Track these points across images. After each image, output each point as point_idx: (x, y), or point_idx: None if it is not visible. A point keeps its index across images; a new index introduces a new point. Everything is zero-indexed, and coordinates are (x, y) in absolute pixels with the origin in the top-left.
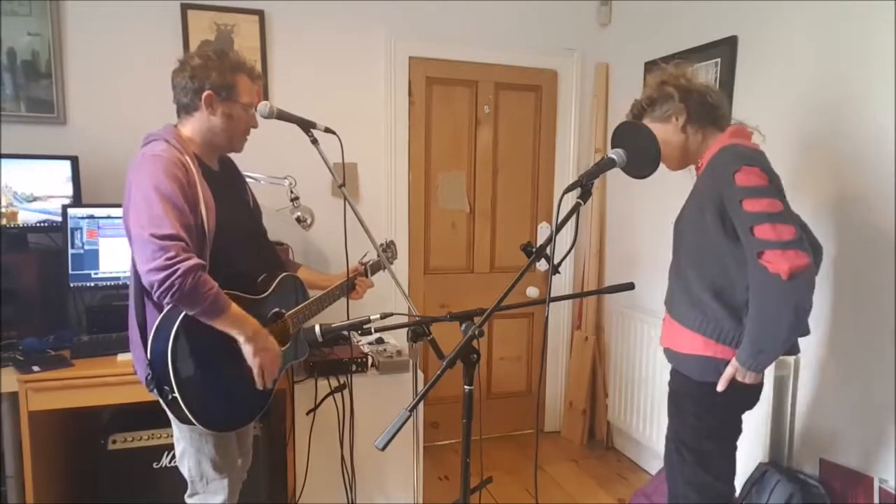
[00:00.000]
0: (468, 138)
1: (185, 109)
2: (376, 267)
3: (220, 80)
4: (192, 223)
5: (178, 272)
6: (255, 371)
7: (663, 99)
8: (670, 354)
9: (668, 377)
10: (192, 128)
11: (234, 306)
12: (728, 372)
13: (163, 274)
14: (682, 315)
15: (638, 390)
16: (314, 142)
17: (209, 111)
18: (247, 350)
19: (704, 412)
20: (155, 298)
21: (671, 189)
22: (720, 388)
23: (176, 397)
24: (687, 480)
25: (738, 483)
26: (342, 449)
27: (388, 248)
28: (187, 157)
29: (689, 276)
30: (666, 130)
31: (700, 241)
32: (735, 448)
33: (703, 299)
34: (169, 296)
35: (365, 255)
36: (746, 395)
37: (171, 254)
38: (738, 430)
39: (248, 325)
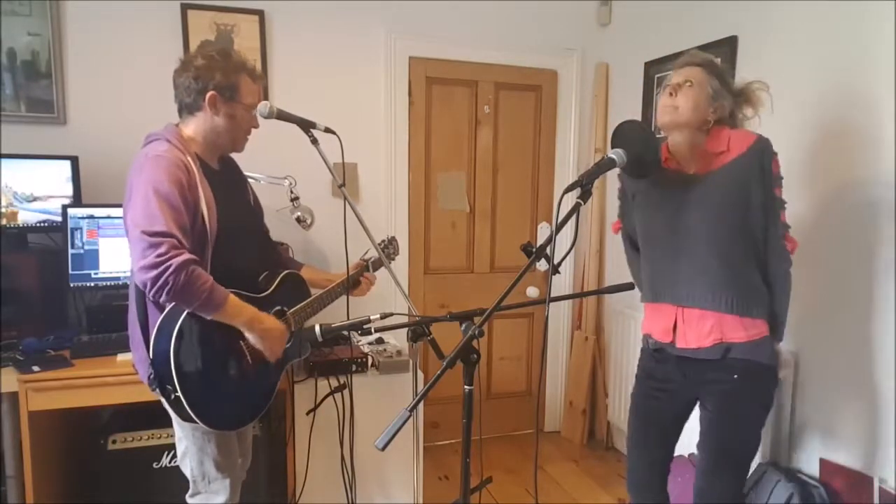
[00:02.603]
0: (468, 138)
1: (187, 109)
2: (378, 264)
3: (223, 80)
4: (190, 224)
5: (170, 268)
6: (265, 353)
7: (729, 91)
8: (728, 348)
9: None
10: (194, 128)
11: (232, 297)
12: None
13: (155, 272)
14: (738, 304)
15: None
16: (314, 142)
17: (212, 111)
18: (251, 337)
19: (770, 398)
20: (150, 297)
21: None
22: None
23: (179, 396)
24: (742, 482)
25: None
26: (342, 449)
27: (390, 245)
28: (189, 158)
29: (741, 266)
30: (704, 98)
31: (747, 230)
32: None
33: (756, 285)
34: (163, 293)
35: (367, 252)
36: None
37: (162, 250)
38: None
39: (245, 314)
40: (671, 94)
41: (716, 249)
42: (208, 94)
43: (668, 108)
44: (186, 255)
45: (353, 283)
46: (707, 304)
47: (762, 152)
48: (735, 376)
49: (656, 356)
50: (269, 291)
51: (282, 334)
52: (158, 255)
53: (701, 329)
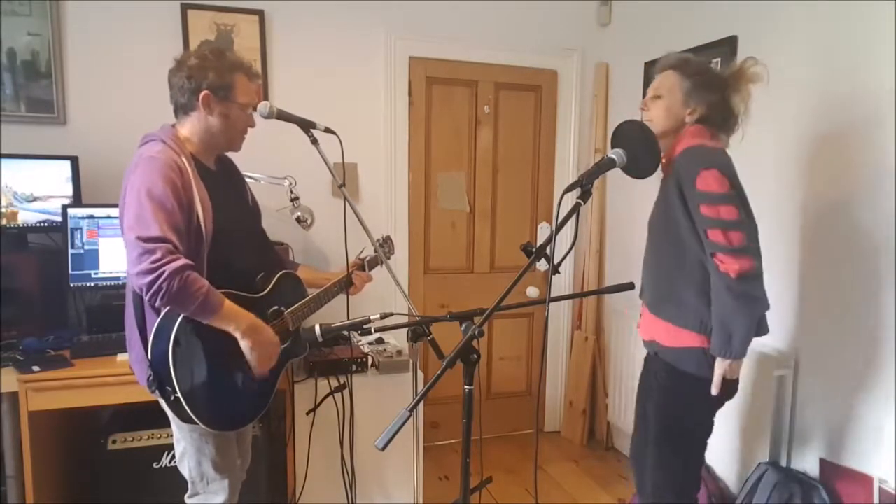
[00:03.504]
0: (468, 138)
1: (182, 109)
2: (374, 262)
3: (217, 80)
4: (185, 225)
5: (164, 274)
6: (253, 364)
7: (708, 87)
8: (657, 348)
9: None
10: (189, 128)
11: (227, 303)
12: (718, 373)
13: (149, 277)
14: (665, 312)
15: None
16: (314, 142)
17: (206, 111)
18: (244, 344)
19: (693, 405)
20: (146, 301)
21: None
22: (714, 392)
23: (178, 398)
24: (673, 473)
25: (739, 483)
26: (342, 449)
27: (385, 244)
28: (183, 159)
29: (671, 275)
30: (676, 103)
31: (676, 240)
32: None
33: (684, 297)
34: (158, 298)
35: (362, 251)
36: (729, 390)
37: (157, 256)
38: (712, 427)
39: (242, 320)
40: (643, 108)
41: (656, 255)
42: (202, 94)
43: (647, 123)
44: (181, 262)
45: (347, 282)
46: (646, 302)
47: (679, 169)
48: (663, 376)
49: None
50: (265, 292)
51: (275, 349)
52: (153, 262)
53: (645, 323)
